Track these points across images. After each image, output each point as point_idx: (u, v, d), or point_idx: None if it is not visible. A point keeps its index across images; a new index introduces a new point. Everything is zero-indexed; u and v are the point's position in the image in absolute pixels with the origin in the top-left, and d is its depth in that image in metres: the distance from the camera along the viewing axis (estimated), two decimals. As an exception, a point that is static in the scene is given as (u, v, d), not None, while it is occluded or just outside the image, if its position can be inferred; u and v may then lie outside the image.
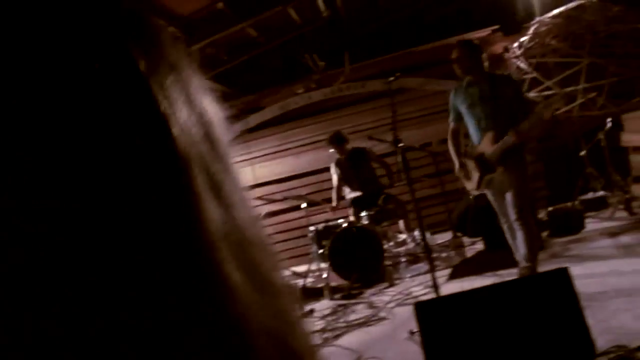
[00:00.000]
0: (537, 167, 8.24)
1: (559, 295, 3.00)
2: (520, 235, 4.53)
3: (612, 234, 5.77)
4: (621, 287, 3.99)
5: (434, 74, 8.89)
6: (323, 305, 5.75)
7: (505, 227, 4.76)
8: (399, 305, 5.15)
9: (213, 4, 7.18)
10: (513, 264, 5.33)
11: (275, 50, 9.22)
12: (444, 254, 6.84)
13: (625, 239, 5.49)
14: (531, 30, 8.44)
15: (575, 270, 4.68)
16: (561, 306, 2.99)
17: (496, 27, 8.94)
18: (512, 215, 4.50)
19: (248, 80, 9.81)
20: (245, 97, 9.42)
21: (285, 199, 7.11)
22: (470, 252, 6.73)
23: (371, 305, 5.33)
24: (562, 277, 3.05)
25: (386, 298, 5.45)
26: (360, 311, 5.26)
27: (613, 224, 6.23)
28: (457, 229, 7.43)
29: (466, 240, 7.30)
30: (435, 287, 4.26)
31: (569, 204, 7.10)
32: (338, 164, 7.42)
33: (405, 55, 9.15)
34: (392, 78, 4.31)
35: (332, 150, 7.26)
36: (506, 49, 8.75)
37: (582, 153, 7.44)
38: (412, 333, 4.34)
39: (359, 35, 9.41)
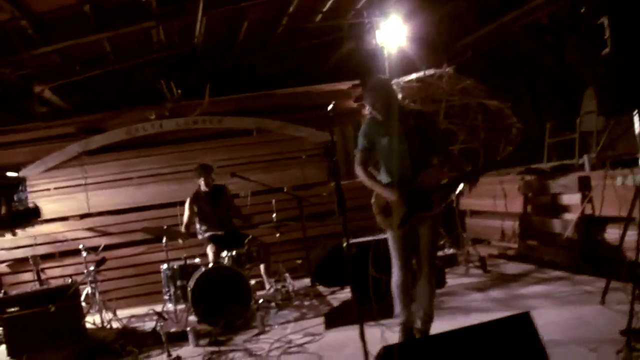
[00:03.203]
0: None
1: (523, 339, 2.93)
2: (425, 291, 4.23)
3: (478, 289, 6.00)
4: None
5: (292, 119, 8.80)
6: (190, 352, 5.12)
7: (401, 276, 4.27)
8: (284, 353, 4.75)
9: (79, 5, 6.36)
10: (389, 313, 5.27)
11: (127, 70, 8.47)
12: (306, 302, 6.56)
13: (494, 293, 5.72)
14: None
15: (467, 321, 4.76)
16: (526, 350, 2.91)
17: (357, 82, 9.16)
18: (424, 267, 4.19)
19: (89, 97, 8.88)
20: (86, 116, 8.46)
21: (144, 229, 6.35)
22: (333, 301, 6.53)
23: (251, 354, 4.84)
24: (525, 321, 2.99)
25: (264, 346, 5.01)
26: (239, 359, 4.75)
27: (472, 280, 6.50)
28: (316, 277, 7.23)
29: (322, 288, 7.14)
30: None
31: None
32: (196, 199, 6.89)
33: (267, 96, 8.96)
34: (330, 106, 3.99)
35: (200, 180, 6.76)
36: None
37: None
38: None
39: (219, 69, 9.04)
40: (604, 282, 5.28)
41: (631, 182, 5.44)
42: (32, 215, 4.08)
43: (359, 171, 4.32)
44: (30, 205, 4.73)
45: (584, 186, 6.24)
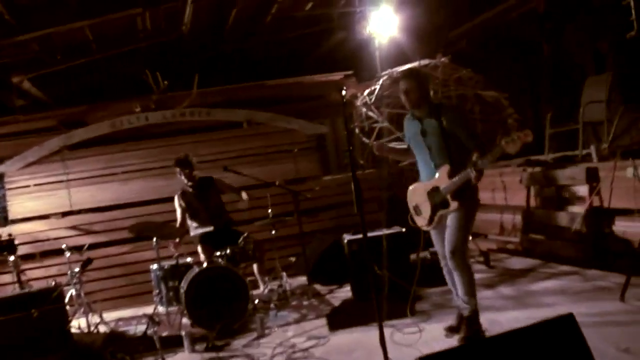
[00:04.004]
0: (379, 217, 8.14)
1: (567, 342, 2.68)
2: (455, 276, 4.27)
3: (486, 285, 5.75)
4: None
5: (283, 110, 8.49)
6: (186, 359, 4.80)
7: (444, 265, 4.45)
8: (289, 359, 4.45)
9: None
10: (395, 314, 5.00)
11: (111, 60, 8.07)
12: (305, 302, 6.26)
13: (504, 290, 5.49)
14: (381, 81, 8.51)
15: (484, 320, 4.50)
16: (572, 353, 2.67)
17: (350, 72, 8.87)
18: (448, 254, 4.19)
19: (70, 89, 8.46)
20: (67, 109, 8.05)
21: (131, 226, 5.98)
22: (333, 300, 6.25)
23: (252, 359, 4.54)
24: (570, 324, 2.74)
25: (266, 351, 4.70)
26: (241, 366, 4.45)
27: (477, 275, 6.18)
28: (313, 275, 6.92)
29: (320, 287, 6.86)
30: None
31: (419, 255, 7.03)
32: (183, 195, 6.54)
33: (256, 87, 8.62)
34: (343, 92, 3.69)
35: (179, 174, 6.43)
36: (356, 96, 8.70)
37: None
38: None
39: (207, 59, 8.68)
40: (617, 276, 5.10)
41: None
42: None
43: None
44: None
45: (592, 177, 6.02)
